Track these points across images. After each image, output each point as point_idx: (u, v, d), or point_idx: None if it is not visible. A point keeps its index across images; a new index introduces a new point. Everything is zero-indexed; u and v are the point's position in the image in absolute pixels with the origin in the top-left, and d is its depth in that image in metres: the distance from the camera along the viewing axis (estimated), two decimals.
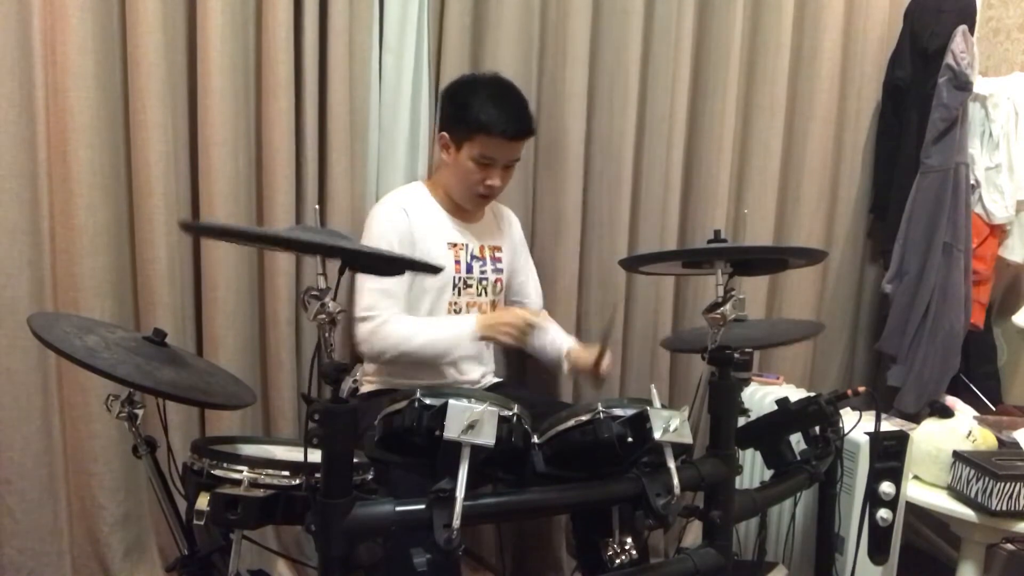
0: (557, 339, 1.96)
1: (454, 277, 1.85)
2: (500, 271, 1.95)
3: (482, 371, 1.95)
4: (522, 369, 2.23)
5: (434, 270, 1.24)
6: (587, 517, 1.66)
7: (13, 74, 1.66)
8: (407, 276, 1.77)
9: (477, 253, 1.90)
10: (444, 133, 1.80)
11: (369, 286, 1.73)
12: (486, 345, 1.93)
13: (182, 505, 1.32)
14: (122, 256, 1.81)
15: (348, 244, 1.06)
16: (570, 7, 2.10)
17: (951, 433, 1.94)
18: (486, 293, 1.91)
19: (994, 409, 2.34)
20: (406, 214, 1.80)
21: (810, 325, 1.87)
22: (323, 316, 1.01)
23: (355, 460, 1.07)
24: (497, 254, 1.95)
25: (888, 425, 1.91)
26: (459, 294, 1.86)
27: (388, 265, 1.19)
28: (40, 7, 1.66)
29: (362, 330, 1.74)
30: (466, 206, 1.87)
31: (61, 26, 1.65)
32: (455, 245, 1.86)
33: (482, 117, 1.72)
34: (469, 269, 1.88)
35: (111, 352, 1.21)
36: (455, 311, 1.86)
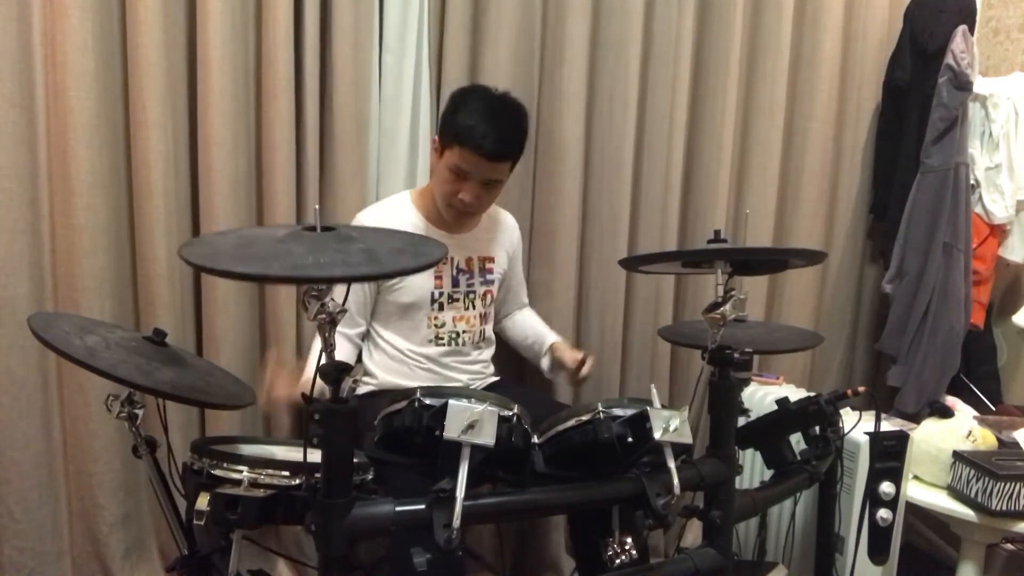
0: (542, 333, 1.99)
1: (432, 292, 1.80)
2: (491, 283, 1.91)
3: (469, 377, 1.91)
4: (522, 369, 2.23)
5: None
6: (587, 517, 1.66)
7: (13, 74, 1.66)
8: (358, 290, 1.77)
9: (464, 266, 1.85)
10: (436, 136, 1.76)
11: None
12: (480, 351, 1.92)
13: (182, 505, 1.32)
14: (122, 256, 1.81)
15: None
16: (570, 7, 2.10)
17: (951, 433, 1.94)
18: (474, 307, 1.87)
19: (994, 409, 2.34)
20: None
21: (807, 335, 1.87)
22: (323, 316, 1.01)
23: (355, 460, 1.07)
24: (489, 265, 1.90)
25: (888, 425, 1.90)
26: (441, 309, 1.81)
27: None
28: (40, 7, 1.66)
29: None
30: (445, 216, 1.78)
31: (61, 26, 1.65)
32: None
33: (464, 127, 1.64)
34: (455, 283, 1.83)
35: (111, 352, 1.21)
36: (436, 326, 1.82)
